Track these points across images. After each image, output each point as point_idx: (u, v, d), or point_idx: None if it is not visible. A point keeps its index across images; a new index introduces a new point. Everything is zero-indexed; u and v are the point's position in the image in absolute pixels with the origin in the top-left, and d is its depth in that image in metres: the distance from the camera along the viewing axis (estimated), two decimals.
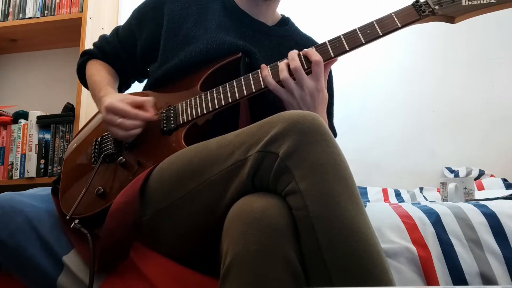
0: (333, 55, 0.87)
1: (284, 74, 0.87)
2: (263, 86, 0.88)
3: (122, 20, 2.21)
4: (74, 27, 1.97)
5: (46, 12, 2.03)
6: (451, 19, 0.86)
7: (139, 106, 0.91)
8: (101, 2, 2.09)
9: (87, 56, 1.17)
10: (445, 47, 1.98)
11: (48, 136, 1.93)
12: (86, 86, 1.15)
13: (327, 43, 0.88)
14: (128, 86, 1.23)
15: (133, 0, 1.15)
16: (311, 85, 0.86)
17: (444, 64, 1.97)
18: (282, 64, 0.88)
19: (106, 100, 0.91)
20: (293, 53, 0.88)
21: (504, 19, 1.93)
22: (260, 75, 0.89)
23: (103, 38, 1.18)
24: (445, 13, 0.85)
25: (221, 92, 0.90)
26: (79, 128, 1.14)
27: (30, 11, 2.04)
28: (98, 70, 1.11)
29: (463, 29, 1.92)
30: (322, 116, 0.90)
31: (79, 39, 1.92)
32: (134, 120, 0.89)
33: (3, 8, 2.08)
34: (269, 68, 0.89)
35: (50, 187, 0.97)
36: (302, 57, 0.88)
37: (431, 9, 0.85)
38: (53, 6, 2.03)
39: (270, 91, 0.89)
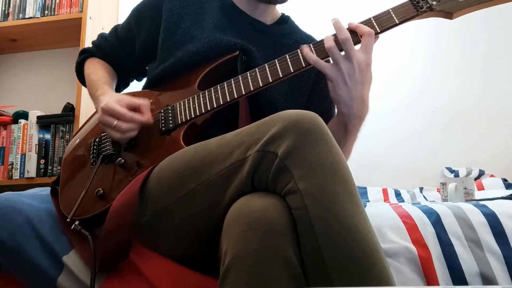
0: None
1: (330, 43, 0.82)
2: (261, 85, 0.87)
3: (122, 20, 2.20)
4: (74, 27, 1.97)
5: (46, 12, 2.03)
6: (449, 15, 0.84)
7: (136, 108, 0.91)
8: (101, 2, 2.09)
9: (85, 54, 1.17)
10: (445, 47, 1.98)
11: (48, 136, 1.93)
12: (85, 85, 1.15)
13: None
14: (127, 85, 1.23)
15: (133, 0, 1.15)
16: (360, 57, 0.82)
17: (444, 64, 1.97)
18: (328, 36, 0.84)
19: (103, 100, 0.91)
20: (340, 24, 0.84)
21: (504, 19, 1.93)
22: (257, 73, 0.88)
23: (101, 36, 1.18)
24: (443, 9, 0.84)
25: (219, 91, 0.90)
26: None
27: (30, 11, 2.04)
28: (96, 69, 1.11)
29: (463, 28, 1.93)
30: (368, 96, 0.86)
31: (79, 39, 1.92)
32: (129, 123, 0.89)
33: (3, 8, 2.08)
34: (312, 46, 0.86)
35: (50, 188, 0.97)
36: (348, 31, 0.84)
37: (429, 4, 0.84)
38: (53, 6, 2.03)
39: (314, 68, 0.85)
